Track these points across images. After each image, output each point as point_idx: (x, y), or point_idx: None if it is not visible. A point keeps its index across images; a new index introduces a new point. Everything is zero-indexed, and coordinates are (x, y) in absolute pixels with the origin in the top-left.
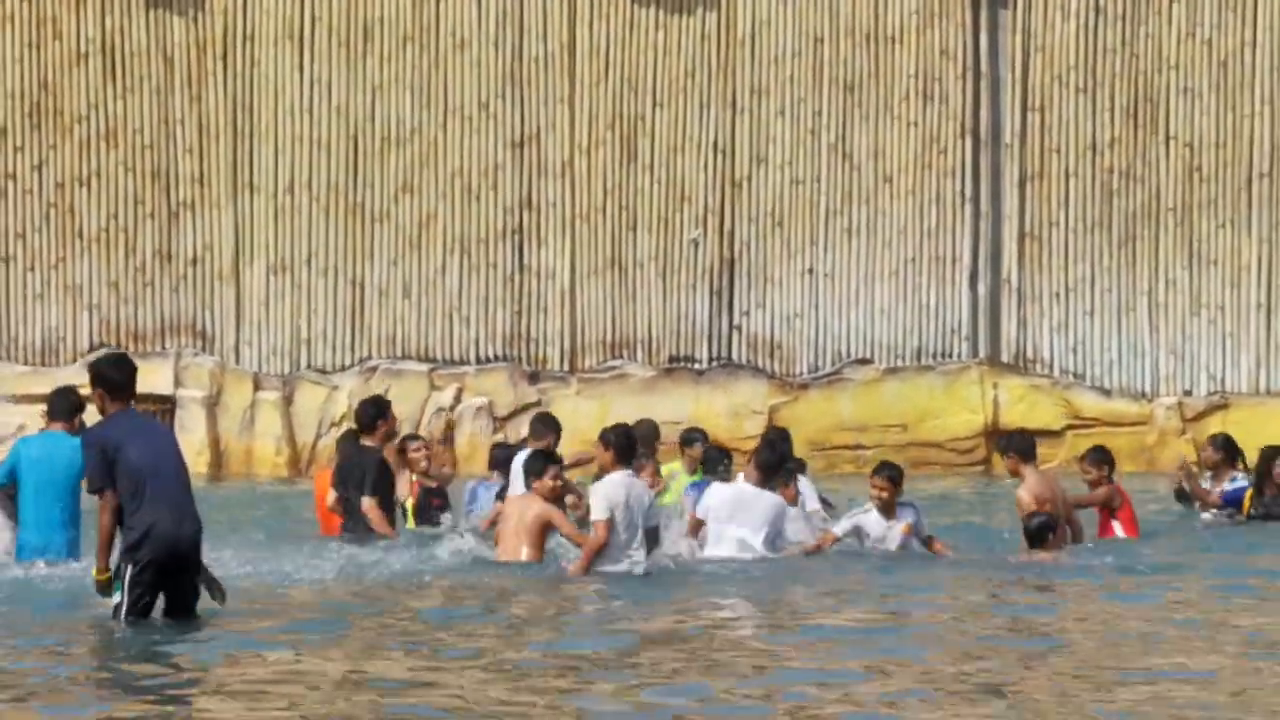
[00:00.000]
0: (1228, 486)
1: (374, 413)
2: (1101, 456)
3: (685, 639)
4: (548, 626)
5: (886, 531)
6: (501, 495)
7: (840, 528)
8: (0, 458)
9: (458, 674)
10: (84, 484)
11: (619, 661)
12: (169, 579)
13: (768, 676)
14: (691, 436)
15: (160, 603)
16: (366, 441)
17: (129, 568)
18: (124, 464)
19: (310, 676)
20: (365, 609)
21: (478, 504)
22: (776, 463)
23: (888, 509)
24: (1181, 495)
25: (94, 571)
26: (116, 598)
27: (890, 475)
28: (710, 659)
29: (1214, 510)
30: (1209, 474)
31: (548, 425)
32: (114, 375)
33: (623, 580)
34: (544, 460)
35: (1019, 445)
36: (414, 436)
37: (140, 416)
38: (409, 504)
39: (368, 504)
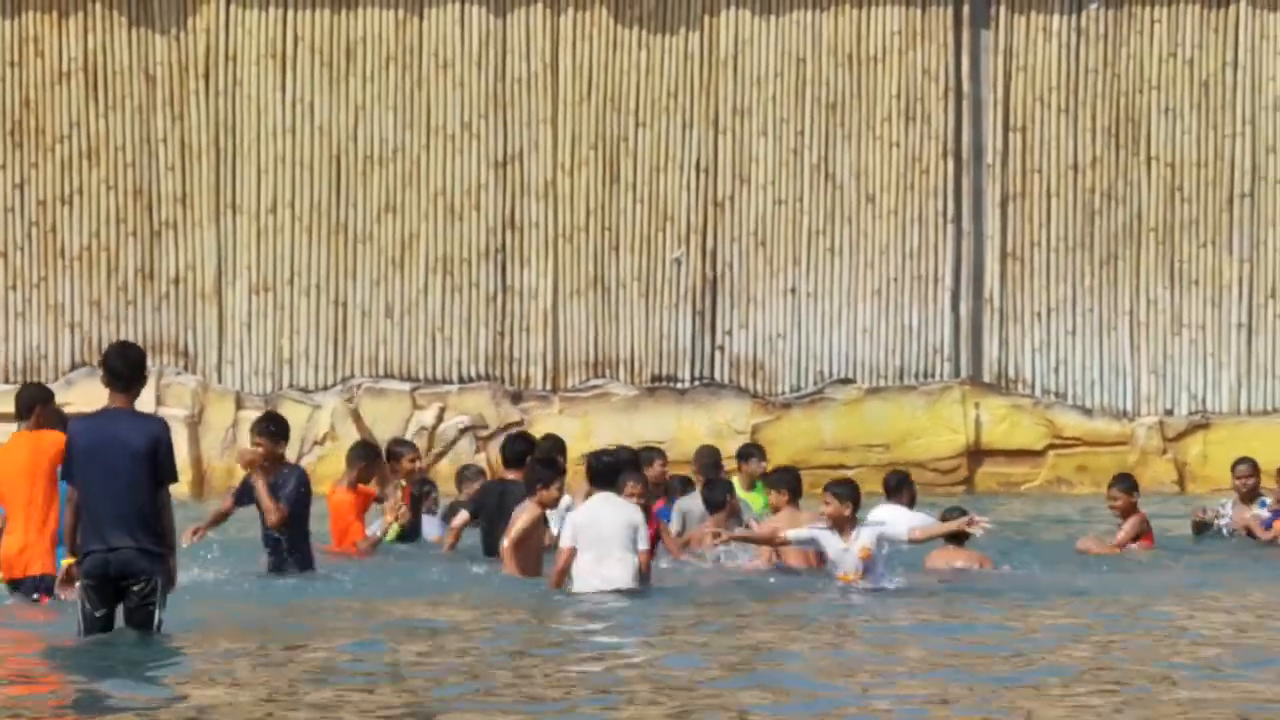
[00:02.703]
0: (1259, 512)
1: (521, 449)
2: (1131, 484)
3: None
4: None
5: (842, 555)
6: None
7: (794, 534)
8: None
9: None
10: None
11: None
12: (115, 594)
13: None
14: (748, 451)
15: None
16: (511, 476)
17: (78, 582)
18: (80, 473)
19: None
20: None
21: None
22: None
23: (839, 526)
24: (1200, 529)
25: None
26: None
27: (836, 492)
28: None
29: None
30: (1235, 499)
31: (364, 456)
32: (114, 363)
33: None
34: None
35: (790, 482)
36: (403, 442)
37: (116, 418)
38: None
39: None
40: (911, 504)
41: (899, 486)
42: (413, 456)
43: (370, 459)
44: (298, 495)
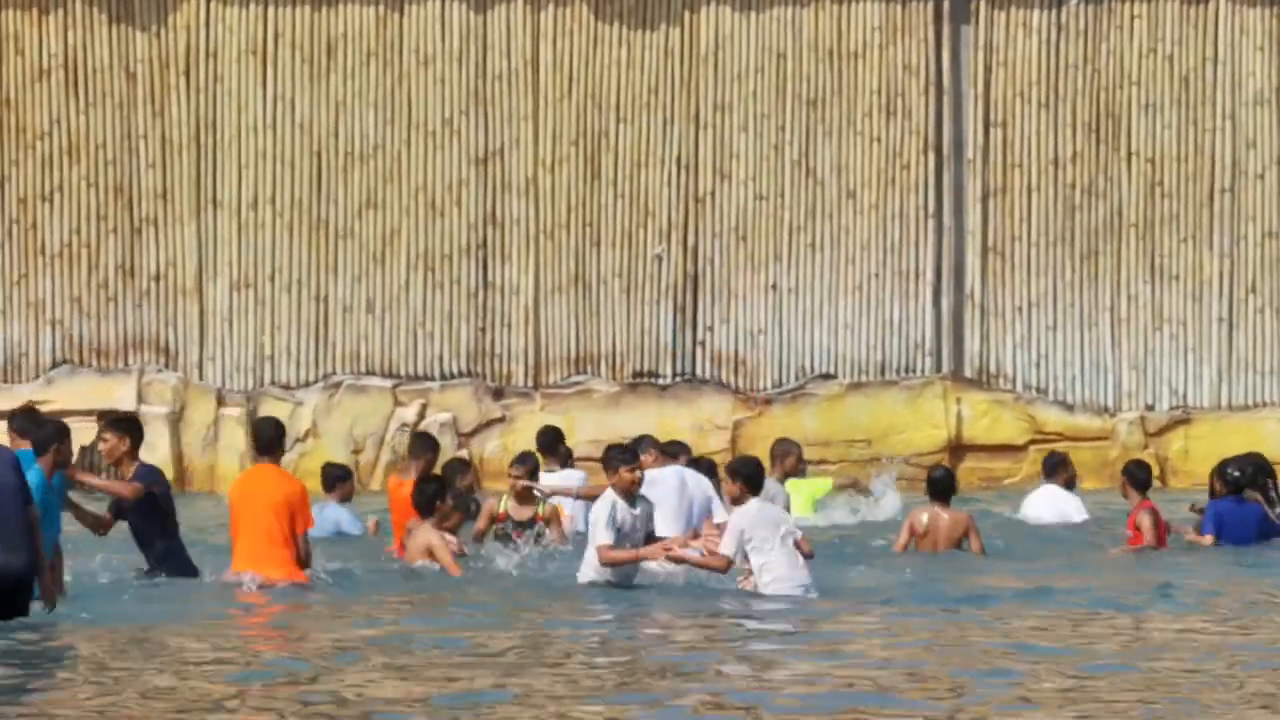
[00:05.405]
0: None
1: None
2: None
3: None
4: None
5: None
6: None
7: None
8: None
9: None
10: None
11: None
12: (3, 605)
13: None
14: (787, 450)
15: None
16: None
17: None
18: None
19: None
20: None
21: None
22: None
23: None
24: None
25: None
26: None
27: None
28: None
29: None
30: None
31: (427, 448)
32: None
33: None
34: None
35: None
36: (525, 457)
37: (4, 451)
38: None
39: None
40: (1070, 486)
41: (1056, 468)
42: (520, 474)
43: (433, 450)
44: (148, 491)
